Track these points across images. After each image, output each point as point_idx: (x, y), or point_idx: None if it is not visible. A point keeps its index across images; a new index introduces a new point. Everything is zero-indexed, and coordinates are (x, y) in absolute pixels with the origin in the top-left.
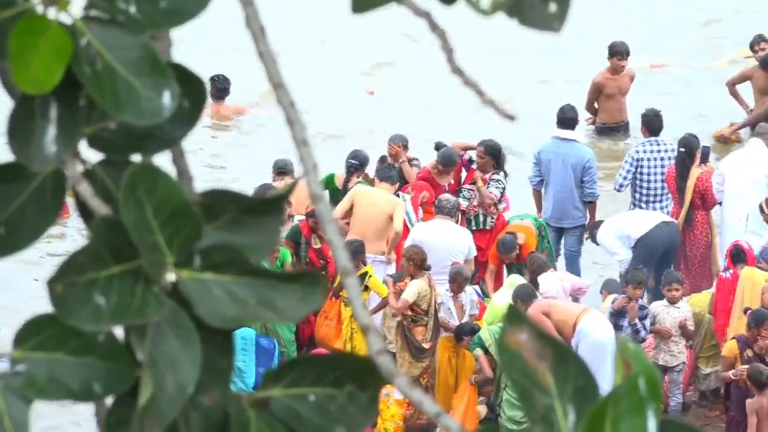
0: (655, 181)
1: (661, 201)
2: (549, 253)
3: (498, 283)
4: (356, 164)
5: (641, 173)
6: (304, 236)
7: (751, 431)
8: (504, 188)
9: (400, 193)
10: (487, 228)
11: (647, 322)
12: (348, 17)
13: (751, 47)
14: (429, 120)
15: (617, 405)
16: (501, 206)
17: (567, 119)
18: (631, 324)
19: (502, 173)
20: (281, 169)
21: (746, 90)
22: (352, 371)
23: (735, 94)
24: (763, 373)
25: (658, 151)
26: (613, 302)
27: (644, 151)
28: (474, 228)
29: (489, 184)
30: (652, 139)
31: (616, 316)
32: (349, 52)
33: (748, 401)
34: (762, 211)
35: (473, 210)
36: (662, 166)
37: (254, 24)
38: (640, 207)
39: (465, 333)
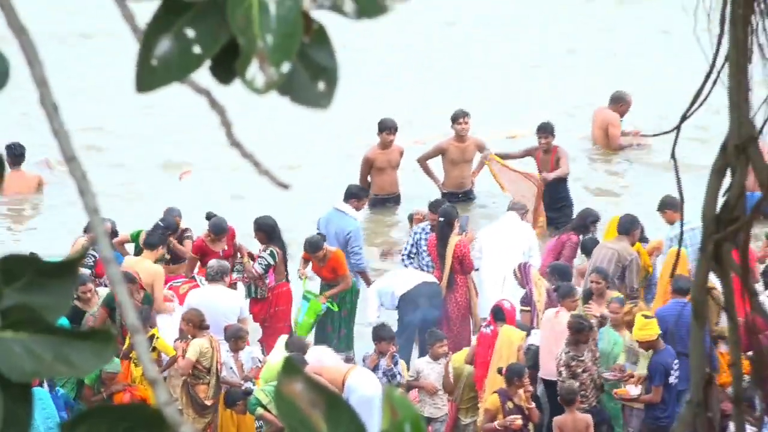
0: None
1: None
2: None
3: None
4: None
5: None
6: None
7: None
8: (268, 264)
9: (196, 276)
10: (259, 297)
11: (399, 368)
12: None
13: (454, 120)
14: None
15: None
16: (267, 280)
17: (346, 191)
18: (386, 372)
19: (269, 250)
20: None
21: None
22: (142, 421)
23: (426, 170)
24: (573, 392)
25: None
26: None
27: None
28: (248, 296)
29: (257, 260)
30: None
31: (373, 370)
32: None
33: (555, 418)
34: (515, 275)
35: (245, 281)
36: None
37: (48, 103)
38: None
39: (237, 399)
